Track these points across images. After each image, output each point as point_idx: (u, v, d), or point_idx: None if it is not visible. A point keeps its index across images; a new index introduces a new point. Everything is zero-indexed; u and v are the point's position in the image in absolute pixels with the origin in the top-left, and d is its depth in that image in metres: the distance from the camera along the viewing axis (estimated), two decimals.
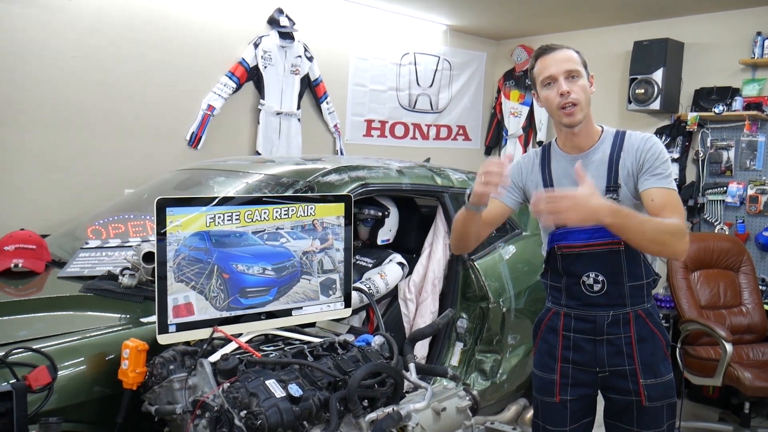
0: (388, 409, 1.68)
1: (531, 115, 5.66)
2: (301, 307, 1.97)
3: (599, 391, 1.97)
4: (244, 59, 4.20)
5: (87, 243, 2.55)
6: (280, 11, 4.34)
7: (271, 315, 1.91)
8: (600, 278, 1.87)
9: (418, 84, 5.39)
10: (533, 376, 2.07)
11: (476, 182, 1.75)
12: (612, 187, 1.84)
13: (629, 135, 1.89)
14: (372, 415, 1.65)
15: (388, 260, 2.85)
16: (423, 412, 1.76)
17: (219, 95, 4.11)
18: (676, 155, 4.69)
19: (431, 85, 5.49)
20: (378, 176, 2.71)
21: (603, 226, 1.81)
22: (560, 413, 1.96)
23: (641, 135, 1.88)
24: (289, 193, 2.43)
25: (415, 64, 5.34)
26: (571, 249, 1.89)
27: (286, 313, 1.94)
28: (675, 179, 4.68)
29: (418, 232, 3.11)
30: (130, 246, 2.43)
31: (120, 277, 2.12)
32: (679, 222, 1.73)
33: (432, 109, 5.54)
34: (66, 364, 1.68)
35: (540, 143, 5.56)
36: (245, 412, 1.51)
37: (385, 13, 5.01)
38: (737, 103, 4.38)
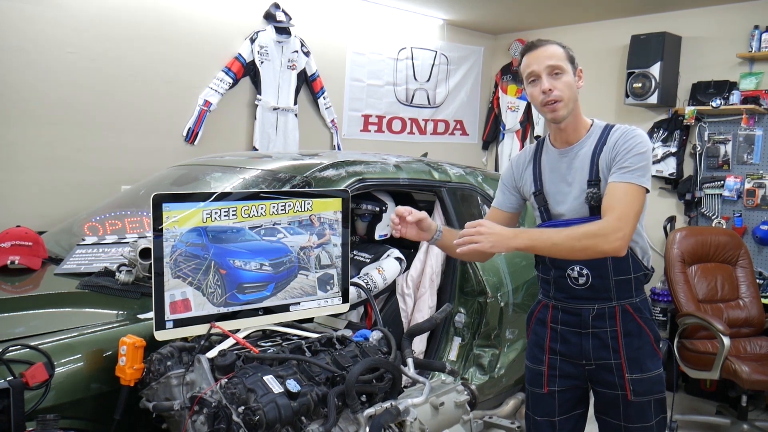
0: (387, 404, 1.68)
1: (528, 110, 5.65)
2: (298, 303, 1.97)
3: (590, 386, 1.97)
4: (240, 54, 4.19)
5: (84, 239, 2.54)
6: (277, 6, 4.33)
7: (268, 311, 1.91)
8: (585, 271, 1.87)
9: (415, 79, 5.38)
10: (525, 367, 2.08)
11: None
12: (593, 182, 1.83)
13: (615, 129, 1.86)
14: (370, 410, 1.65)
15: (385, 255, 2.84)
16: (421, 406, 1.76)
17: (215, 91, 4.09)
18: (673, 149, 4.69)
19: (428, 80, 5.48)
20: (375, 171, 2.71)
21: (591, 218, 1.81)
22: (549, 404, 1.98)
23: (624, 128, 1.84)
24: (286, 188, 2.42)
25: (412, 59, 5.33)
26: None
27: (284, 308, 1.94)
28: (668, 176, 4.69)
29: None
30: (127, 242, 2.42)
31: (117, 274, 2.12)
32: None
33: (429, 103, 5.53)
34: (63, 361, 1.68)
35: (537, 138, 5.56)
36: (243, 407, 1.51)
37: (381, 8, 4.99)
38: (734, 97, 4.38)
